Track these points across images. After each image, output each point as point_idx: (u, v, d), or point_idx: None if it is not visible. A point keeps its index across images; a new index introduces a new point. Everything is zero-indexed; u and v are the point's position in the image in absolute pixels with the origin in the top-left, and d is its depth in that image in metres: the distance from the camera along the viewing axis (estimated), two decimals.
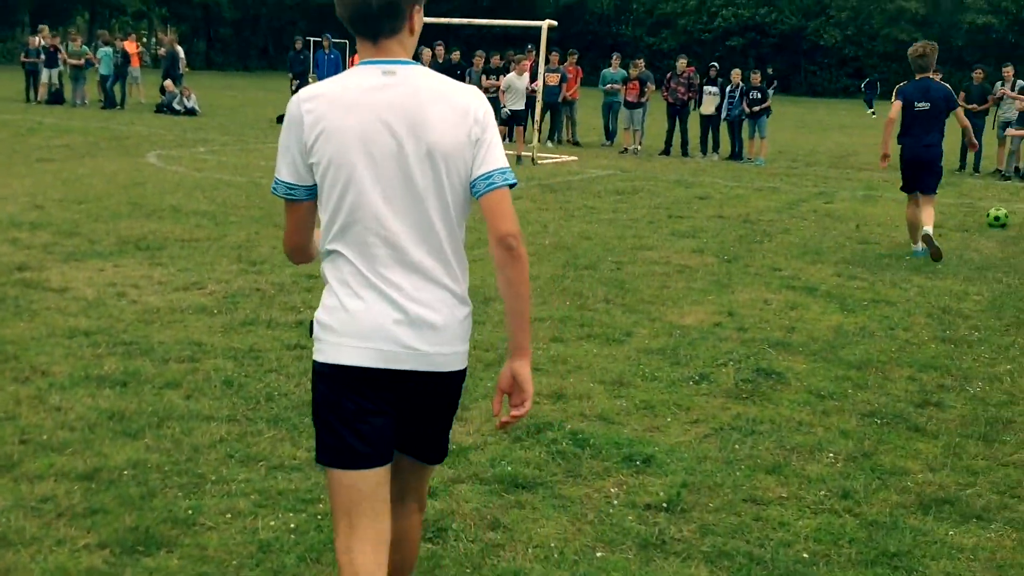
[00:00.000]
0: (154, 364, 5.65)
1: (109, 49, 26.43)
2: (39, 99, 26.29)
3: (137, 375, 5.43)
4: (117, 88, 26.54)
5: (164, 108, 25.40)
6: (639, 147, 20.96)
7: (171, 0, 64.39)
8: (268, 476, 4.26)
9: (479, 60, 22.39)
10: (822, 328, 7.13)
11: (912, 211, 10.11)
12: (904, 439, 5.05)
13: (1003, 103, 19.02)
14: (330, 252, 2.62)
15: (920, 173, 10.09)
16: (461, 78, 22.06)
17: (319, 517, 3.89)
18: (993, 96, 19.14)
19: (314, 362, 2.63)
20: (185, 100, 25.46)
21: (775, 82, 20.62)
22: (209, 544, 3.66)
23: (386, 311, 2.56)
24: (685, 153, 20.74)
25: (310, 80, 25.36)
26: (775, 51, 64.09)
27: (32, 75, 26.68)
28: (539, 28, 18.59)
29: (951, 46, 61.05)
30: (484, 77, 21.86)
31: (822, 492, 4.36)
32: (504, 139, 19.11)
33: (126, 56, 26.93)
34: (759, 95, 19.84)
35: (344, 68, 30.04)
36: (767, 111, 19.98)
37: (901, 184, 10.46)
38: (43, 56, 26.23)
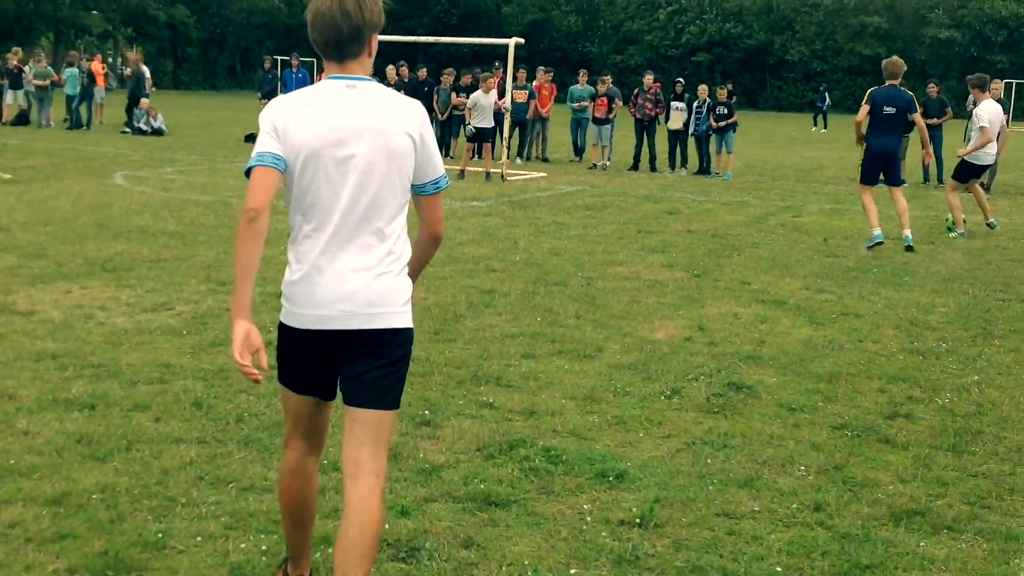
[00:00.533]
0: (122, 386, 5.59)
1: (75, 70, 26.26)
2: (4, 120, 26.07)
3: (105, 398, 5.37)
4: (83, 109, 26.37)
5: (133, 128, 25.23)
6: (608, 163, 21.05)
7: (137, 20, 64.08)
8: (239, 498, 4.22)
9: (448, 78, 22.46)
10: (792, 341, 7.18)
11: (869, 199, 11.42)
12: (874, 451, 5.09)
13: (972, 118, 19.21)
14: (298, 237, 3.13)
15: (887, 167, 11.48)
16: (429, 96, 22.17)
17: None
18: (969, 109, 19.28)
19: (280, 322, 3.25)
20: (152, 120, 25.30)
21: (733, 97, 20.82)
22: (180, 567, 3.63)
23: (335, 284, 3.08)
24: (653, 168, 20.86)
25: None
26: (741, 66, 64.72)
27: None
28: (506, 46, 18.66)
29: (914, 60, 61.86)
30: (455, 95, 21.92)
31: (794, 505, 4.38)
32: (472, 156, 19.18)
33: (91, 77, 26.76)
34: (726, 110, 19.99)
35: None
36: (734, 126, 20.14)
37: (861, 177, 11.68)
38: (6, 78, 26.01)
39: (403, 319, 3.16)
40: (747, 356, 6.71)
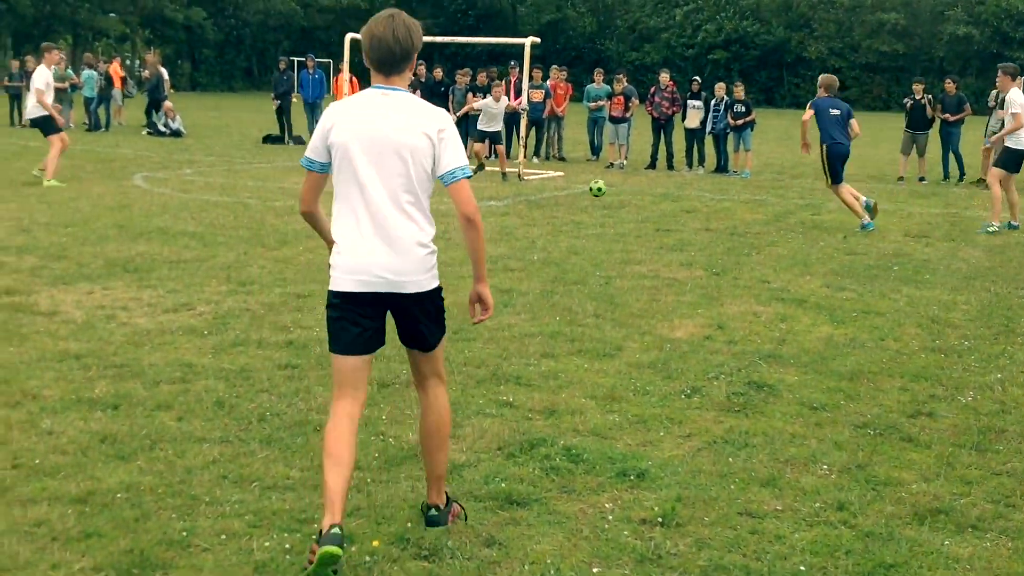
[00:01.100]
0: (145, 386, 5.62)
1: (92, 72, 26.41)
2: (23, 123, 26.22)
3: (128, 397, 5.40)
4: (101, 111, 26.51)
5: (153, 129, 25.38)
6: (624, 161, 21.03)
7: (154, 22, 64.38)
8: (262, 496, 4.24)
9: (463, 78, 22.47)
10: (812, 340, 7.15)
11: (848, 193, 12.82)
12: (897, 450, 5.07)
13: (994, 113, 19.04)
14: (340, 214, 3.81)
15: (843, 164, 12.97)
16: (445, 96, 22.21)
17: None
18: (991, 105, 19.11)
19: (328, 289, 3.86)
20: (170, 122, 25.43)
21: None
22: (204, 565, 3.64)
23: (373, 256, 3.75)
24: (671, 167, 20.82)
25: (293, 100, 25.40)
26: (759, 64, 64.52)
27: (15, 99, 26.62)
28: (522, 45, 18.66)
29: (932, 57, 61.62)
30: (470, 95, 21.93)
31: (817, 504, 4.36)
32: (488, 157, 19.19)
33: (109, 79, 26.91)
34: (743, 108, 19.94)
35: (328, 87, 30.09)
36: (752, 124, 20.08)
37: (833, 179, 12.86)
38: (25, 80, 26.15)
39: (432, 282, 3.86)
40: (767, 355, 6.69)
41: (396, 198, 3.75)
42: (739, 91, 20.49)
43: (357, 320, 3.79)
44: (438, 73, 23.32)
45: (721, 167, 20.48)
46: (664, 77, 21.36)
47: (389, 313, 3.88)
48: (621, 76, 22.05)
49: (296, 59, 36.13)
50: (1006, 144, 12.88)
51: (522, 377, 6.06)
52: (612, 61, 60.02)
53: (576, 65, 54.45)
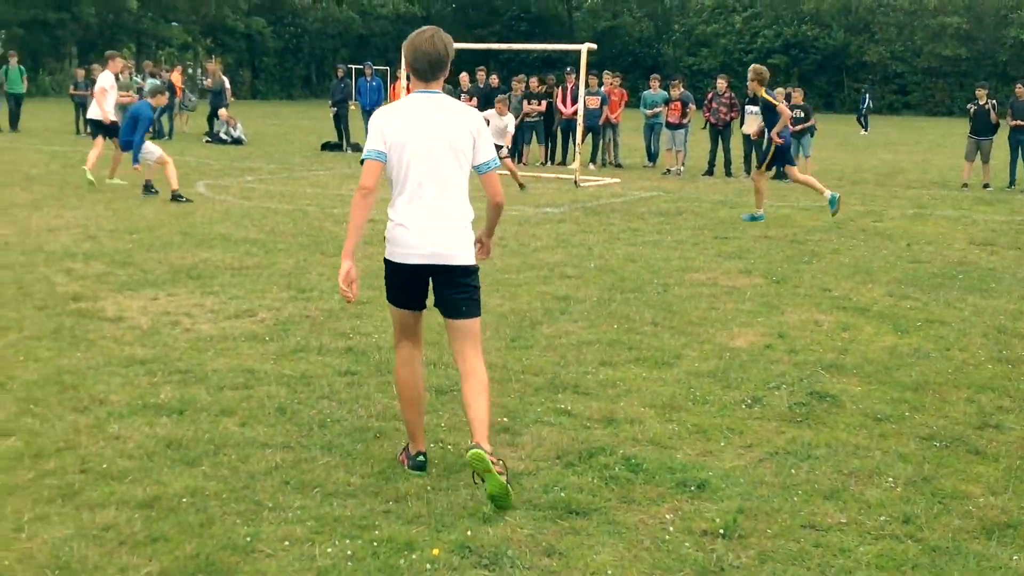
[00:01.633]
0: (209, 392, 5.71)
1: (155, 80, 26.86)
2: (88, 131, 26.75)
3: (193, 403, 5.49)
4: (164, 119, 26.97)
5: (214, 137, 25.79)
6: (682, 168, 20.91)
7: (216, 31, 65.37)
8: (324, 503, 4.28)
9: (519, 85, 22.52)
10: (876, 349, 7.04)
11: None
12: (964, 462, 4.97)
13: None
14: (396, 199, 4.52)
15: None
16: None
17: (375, 544, 3.90)
18: None
19: (384, 258, 4.63)
20: (232, 130, 25.81)
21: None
22: (268, 571, 3.69)
23: (421, 233, 4.47)
24: (729, 173, 20.66)
25: (351, 107, 25.63)
26: (818, 69, 63.80)
27: (81, 107, 27.17)
28: (578, 51, 18.64)
29: (995, 61, 60.43)
30: (525, 102, 21.97)
31: (882, 517, 4.29)
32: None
33: (172, 88, 27.36)
34: (802, 113, 19.72)
35: (386, 94, 30.34)
36: (811, 129, 19.84)
37: (783, 163, 14.17)
38: (90, 88, 26.69)
39: (469, 258, 4.55)
40: (830, 364, 6.61)
41: (447, 185, 4.48)
42: (798, 96, 20.28)
43: (411, 285, 4.57)
44: (494, 80, 23.39)
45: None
46: (722, 83, 21.20)
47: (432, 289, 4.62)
48: (678, 82, 21.93)
49: (354, 67, 36.46)
50: None
51: (580, 385, 6.05)
52: (669, 66, 59.71)
53: (632, 71, 54.35)
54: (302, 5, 65.98)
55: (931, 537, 4.11)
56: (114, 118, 16.91)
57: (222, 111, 26.10)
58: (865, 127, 39.80)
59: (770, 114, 13.90)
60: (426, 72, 4.51)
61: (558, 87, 22.67)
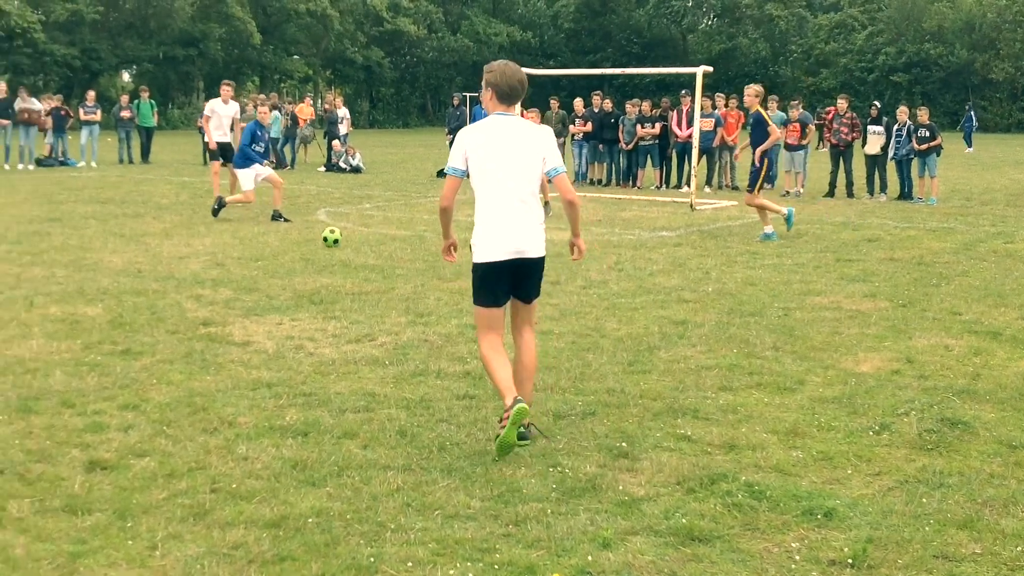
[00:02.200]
0: (332, 414, 5.82)
1: (277, 113, 27.70)
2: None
3: (317, 425, 5.61)
4: (287, 149, 27.78)
5: (329, 166, 26.45)
6: (801, 189, 20.53)
7: (336, 63, 67.12)
8: (444, 525, 4.31)
9: (633, 108, 22.49)
10: (1010, 375, 6.77)
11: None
12: None
13: None
14: (481, 207, 5.33)
15: None
16: (615, 127, 22.29)
17: (496, 567, 3.91)
18: None
19: (474, 263, 5.39)
20: (350, 159, 26.42)
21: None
22: None
23: (504, 234, 5.30)
24: (850, 195, 20.19)
25: None
26: (942, 87, 61.98)
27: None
28: (693, 75, 18.51)
29: None
30: (639, 126, 21.92)
31: (1019, 548, 4.11)
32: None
33: (294, 119, 28.18)
34: (928, 133, 19.17)
35: None
36: (937, 149, 19.27)
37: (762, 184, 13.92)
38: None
39: (542, 251, 5.40)
40: (961, 390, 6.37)
41: (524, 192, 5.29)
42: (923, 115, 19.72)
43: (498, 281, 5.34)
44: (608, 104, 23.41)
45: (905, 194, 19.71)
46: (842, 103, 20.77)
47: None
48: (796, 102, 21.57)
49: (469, 94, 36.92)
50: None
51: (700, 410, 5.97)
52: (786, 87, 58.81)
53: None
54: (418, 36, 67.24)
55: None
56: (220, 140, 17.56)
57: (336, 143, 26.74)
58: (968, 144, 38.55)
59: (760, 131, 13.69)
60: (511, 97, 5.33)
61: (672, 110, 22.56)
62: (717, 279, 10.43)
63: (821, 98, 55.14)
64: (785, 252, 12.43)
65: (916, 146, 19.22)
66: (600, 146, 23.16)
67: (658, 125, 22.08)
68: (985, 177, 25.23)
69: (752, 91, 13.74)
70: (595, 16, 71.50)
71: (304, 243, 12.85)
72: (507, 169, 5.24)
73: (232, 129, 17.69)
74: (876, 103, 21.24)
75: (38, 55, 51.25)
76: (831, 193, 20.34)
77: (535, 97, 31.15)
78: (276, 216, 15.27)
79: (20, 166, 25.38)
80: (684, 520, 4.36)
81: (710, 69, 19.41)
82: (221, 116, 17.61)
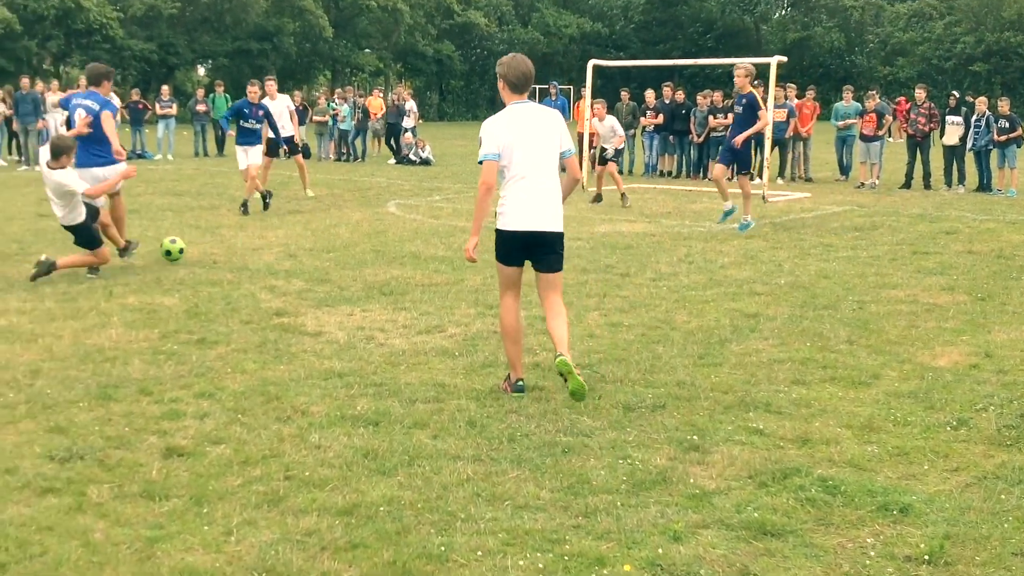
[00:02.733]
0: (402, 404, 5.87)
1: (346, 106, 27.95)
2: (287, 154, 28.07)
3: (387, 415, 5.66)
4: (358, 142, 28.03)
5: (397, 159, 26.64)
6: (876, 181, 20.16)
7: (407, 56, 67.56)
8: (514, 515, 4.32)
9: (704, 100, 22.28)
10: None
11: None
12: None
13: None
14: (506, 184, 5.95)
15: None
16: (687, 118, 22.12)
17: (566, 558, 3.91)
18: None
19: (496, 228, 6.06)
20: (420, 151, 26.59)
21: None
22: None
23: (525, 208, 5.96)
24: (927, 186, 19.77)
25: None
26: (1023, 76, 60.34)
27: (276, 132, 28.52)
28: (767, 64, 18.26)
29: None
30: (711, 117, 21.71)
31: None
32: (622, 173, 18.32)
33: (366, 111, 28.42)
34: (1008, 124, 18.68)
35: (569, 112, 30.64)
36: (1018, 140, 18.77)
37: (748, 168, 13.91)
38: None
39: (560, 226, 6.02)
40: None
41: (546, 172, 5.94)
42: (1004, 105, 19.23)
43: (513, 247, 6.00)
44: (680, 96, 23.22)
45: (984, 186, 19.25)
46: (920, 93, 20.33)
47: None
48: (873, 93, 21.19)
49: (538, 86, 36.91)
50: None
51: (772, 404, 5.90)
52: (862, 77, 57.77)
53: (823, 82, 52.84)
54: (488, 29, 67.37)
55: None
56: (284, 136, 17.76)
57: (406, 136, 26.90)
58: None
59: (750, 113, 13.18)
60: (522, 86, 5.95)
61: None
62: (790, 272, 10.30)
63: (898, 88, 54.08)
64: (860, 245, 12.21)
65: (996, 137, 18.76)
66: (671, 137, 22.98)
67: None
68: None
69: (743, 71, 13.04)
70: (666, 7, 70.87)
71: (375, 235, 12.97)
72: (530, 150, 5.88)
73: (291, 121, 17.85)
74: (954, 93, 20.80)
75: (116, 50, 52.40)
76: (907, 184, 19.94)
77: (604, 88, 30.99)
78: (243, 206, 15.24)
79: None
80: (756, 514, 4.32)
81: (784, 59, 19.12)
82: (273, 113, 17.81)
